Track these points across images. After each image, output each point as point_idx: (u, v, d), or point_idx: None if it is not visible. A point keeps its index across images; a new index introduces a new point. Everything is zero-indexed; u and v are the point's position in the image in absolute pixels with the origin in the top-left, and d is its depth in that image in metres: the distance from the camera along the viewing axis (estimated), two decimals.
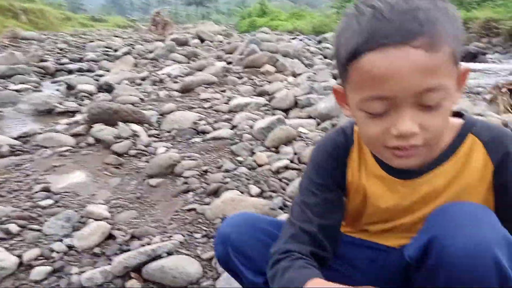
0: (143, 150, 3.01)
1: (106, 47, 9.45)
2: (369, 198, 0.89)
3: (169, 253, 1.64)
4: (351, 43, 0.67)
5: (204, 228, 1.92)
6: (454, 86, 0.70)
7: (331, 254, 0.90)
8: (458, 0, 11.98)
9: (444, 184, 0.80)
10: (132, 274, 1.55)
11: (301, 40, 11.49)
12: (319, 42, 10.45)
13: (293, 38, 11.60)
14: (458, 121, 0.83)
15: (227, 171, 2.46)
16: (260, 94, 4.33)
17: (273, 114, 3.44)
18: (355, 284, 0.89)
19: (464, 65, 0.74)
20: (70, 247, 1.79)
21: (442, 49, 0.64)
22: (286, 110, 3.73)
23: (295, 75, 5.20)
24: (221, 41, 9.67)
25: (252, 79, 5.03)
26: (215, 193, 2.21)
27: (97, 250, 1.80)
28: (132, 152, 2.97)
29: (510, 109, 3.16)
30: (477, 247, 0.64)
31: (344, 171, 0.91)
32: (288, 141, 2.73)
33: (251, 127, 3.09)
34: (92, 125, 3.27)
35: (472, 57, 7.28)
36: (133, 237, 1.89)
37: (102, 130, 3.14)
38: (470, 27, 9.14)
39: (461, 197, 0.78)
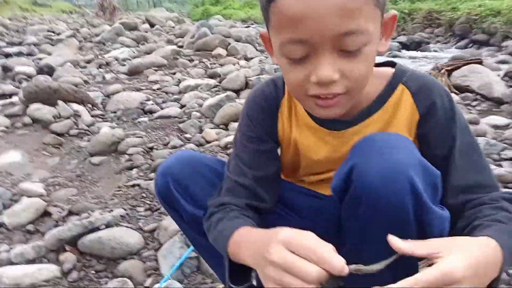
0: (86, 130, 2.86)
1: (49, 31, 8.86)
2: (301, 150, 0.89)
3: (108, 226, 1.56)
4: None
5: (148, 202, 1.86)
6: (378, 32, 0.68)
7: (270, 204, 0.89)
8: None
9: None
10: (67, 247, 1.46)
11: (254, 27, 11.47)
12: None
13: (246, 27, 11.55)
14: (390, 70, 0.81)
15: (174, 147, 2.40)
16: (211, 76, 4.26)
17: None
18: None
19: (391, 12, 0.72)
20: (0, 224, 1.66)
21: None
22: (237, 91, 3.70)
23: (247, 58, 5.16)
24: (172, 27, 9.40)
25: (203, 62, 4.94)
26: None
27: (30, 227, 1.69)
28: (74, 132, 2.82)
29: (448, 89, 3.34)
30: (392, 170, 0.63)
31: (275, 124, 0.88)
32: (237, 118, 2.71)
33: (200, 105, 3.04)
34: (28, 106, 3.06)
35: (416, 46, 7.64)
36: (70, 213, 1.79)
37: (39, 110, 2.95)
38: (414, 18, 9.55)
39: None
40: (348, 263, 0.55)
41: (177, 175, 0.91)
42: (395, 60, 0.87)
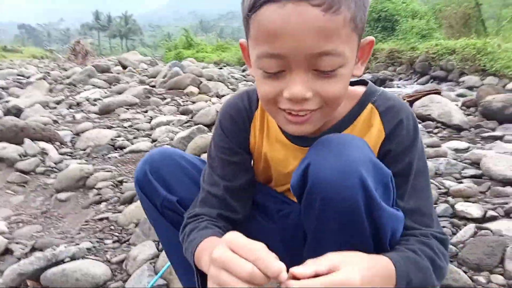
0: (53, 167, 2.79)
1: (19, 75, 8.78)
2: (271, 164, 0.91)
3: (73, 258, 1.50)
4: None
5: (116, 234, 1.80)
6: (354, 55, 0.69)
7: (242, 214, 0.90)
8: (365, 35, 13.25)
9: None
10: (29, 282, 1.39)
11: (227, 69, 11.76)
12: (244, 70, 10.78)
13: (220, 68, 11.85)
14: (361, 89, 0.82)
15: None
16: (183, 113, 4.30)
17: None
18: (267, 232, 0.90)
19: (368, 38, 0.72)
20: None
21: (342, 13, 0.61)
22: (209, 126, 3.74)
23: (219, 96, 5.26)
24: (145, 69, 9.51)
25: (175, 100, 4.99)
26: (131, 201, 2.10)
27: None
28: (40, 169, 2.74)
29: None
30: (344, 166, 0.64)
31: (247, 136, 0.90)
32: None
33: (172, 139, 3.04)
34: None
35: (381, 83, 8.02)
36: (34, 249, 1.71)
37: (4, 148, 2.86)
38: (377, 57, 10.11)
39: None
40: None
41: (156, 164, 0.94)
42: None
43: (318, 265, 0.58)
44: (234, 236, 0.60)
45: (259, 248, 0.57)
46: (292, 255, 0.74)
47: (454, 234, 1.37)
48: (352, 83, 0.85)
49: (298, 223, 0.89)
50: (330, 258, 0.60)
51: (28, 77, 8.11)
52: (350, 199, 0.65)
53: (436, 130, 3.28)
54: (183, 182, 0.95)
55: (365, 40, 0.72)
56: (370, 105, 0.80)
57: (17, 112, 4.70)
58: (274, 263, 0.55)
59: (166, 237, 1.01)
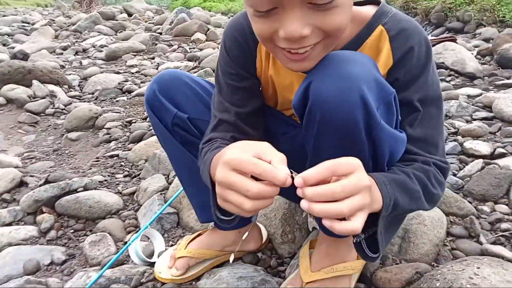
0: (62, 109, 2.81)
1: (23, 22, 8.62)
2: (277, 89, 0.89)
3: (86, 189, 1.55)
4: None
5: (127, 169, 1.84)
6: None
7: (256, 137, 0.87)
8: None
9: None
10: (44, 209, 1.44)
11: None
12: None
13: (228, 18, 11.50)
14: (371, 10, 0.76)
15: None
16: (190, 60, 4.22)
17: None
18: None
19: None
20: None
21: None
22: None
23: None
24: (152, 17, 9.26)
25: (182, 47, 4.89)
26: (140, 140, 2.12)
27: (6, 196, 1.66)
28: (50, 111, 2.77)
29: None
30: (344, 82, 0.61)
31: (253, 61, 0.85)
32: None
33: None
34: (1, 87, 2.98)
35: None
36: (47, 181, 1.75)
37: (13, 89, 2.88)
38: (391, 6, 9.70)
39: None
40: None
41: (165, 83, 0.95)
42: None
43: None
44: (233, 154, 0.57)
45: (259, 162, 0.55)
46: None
47: (461, 169, 1.37)
48: (362, 3, 0.79)
49: (303, 146, 0.89)
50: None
51: (33, 24, 7.96)
52: (349, 116, 0.62)
53: (448, 78, 3.20)
54: (193, 102, 0.95)
55: None
56: (380, 28, 0.74)
57: (23, 57, 4.65)
58: (278, 173, 0.54)
59: (175, 155, 1.03)
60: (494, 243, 1.03)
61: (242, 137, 0.85)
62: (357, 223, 0.54)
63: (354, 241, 0.68)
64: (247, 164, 0.55)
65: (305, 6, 0.58)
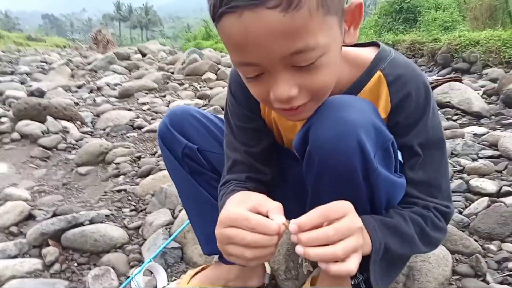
0: (74, 144, 2.88)
1: (42, 61, 8.98)
2: (281, 129, 0.91)
3: (92, 222, 1.56)
4: (211, 1, 0.59)
5: (133, 204, 1.86)
6: (336, 36, 0.63)
7: (271, 175, 0.89)
8: (387, 27, 13.05)
9: None
10: (50, 242, 1.45)
11: None
12: None
13: None
14: (371, 54, 0.77)
15: (161, 155, 2.42)
16: (201, 98, 4.34)
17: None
18: (281, 188, 0.92)
19: (354, 2, 0.66)
20: None
21: (305, 5, 0.55)
22: None
23: None
24: (165, 57, 9.59)
25: (193, 86, 5.04)
26: (148, 174, 2.15)
27: (13, 229, 1.67)
28: (62, 146, 2.84)
29: None
30: (343, 128, 0.63)
31: (258, 103, 0.87)
32: None
33: None
34: (17, 122, 3.08)
35: None
36: (55, 215, 1.77)
37: (28, 125, 2.97)
38: (398, 49, 9.94)
39: None
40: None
41: (177, 117, 1.01)
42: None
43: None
44: (228, 212, 0.63)
45: (250, 215, 0.60)
46: (304, 210, 0.76)
47: (467, 207, 1.36)
48: (364, 44, 0.82)
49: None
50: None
51: (50, 64, 8.30)
52: (347, 161, 0.64)
53: (455, 117, 3.23)
54: (203, 135, 0.99)
55: (350, 6, 0.66)
56: (378, 73, 0.74)
57: (39, 94, 4.83)
58: (270, 224, 0.59)
59: (183, 186, 1.05)
60: (501, 282, 1.01)
61: (258, 177, 0.88)
62: (351, 265, 0.57)
63: (353, 283, 0.68)
64: (240, 221, 0.60)
65: (290, 68, 0.60)
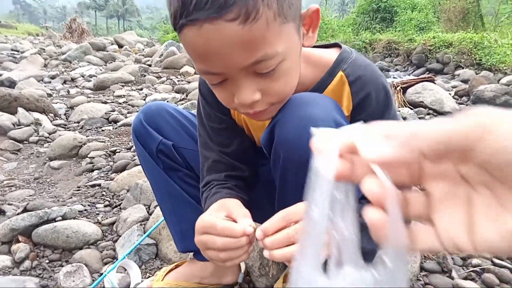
0: (46, 137, 2.80)
1: (13, 50, 8.68)
2: (251, 129, 0.92)
3: (65, 218, 1.53)
4: (172, 11, 0.59)
5: (108, 199, 1.83)
6: (294, 42, 0.64)
7: (248, 171, 0.91)
8: (364, 25, 13.25)
9: None
10: (20, 238, 1.42)
11: None
12: None
13: None
14: (333, 55, 0.79)
15: None
16: (178, 92, 4.30)
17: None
18: (254, 192, 0.93)
19: (311, 8, 0.68)
20: None
21: (262, 16, 0.56)
22: None
23: None
24: (142, 49, 9.43)
25: (171, 79, 4.98)
26: (123, 170, 2.13)
27: None
28: (34, 139, 2.76)
29: (403, 104, 3.54)
30: (304, 123, 0.65)
31: None
32: None
33: None
34: None
35: None
36: (26, 210, 1.73)
37: None
38: (375, 47, 10.12)
39: None
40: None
41: (151, 113, 1.01)
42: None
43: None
44: (201, 221, 0.68)
45: (216, 222, 0.65)
46: (273, 207, 0.78)
47: None
48: (328, 46, 0.84)
49: None
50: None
51: (22, 52, 8.02)
52: (306, 155, 0.64)
53: (427, 117, 3.33)
54: (178, 132, 1.00)
55: (308, 11, 0.67)
56: (340, 73, 0.76)
57: (10, 84, 4.67)
58: (234, 227, 0.64)
59: (157, 182, 1.04)
60: (465, 278, 1.06)
61: (235, 173, 0.89)
62: None
63: None
64: (209, 227, 0.66)
65: (251, 75, 0.62)
